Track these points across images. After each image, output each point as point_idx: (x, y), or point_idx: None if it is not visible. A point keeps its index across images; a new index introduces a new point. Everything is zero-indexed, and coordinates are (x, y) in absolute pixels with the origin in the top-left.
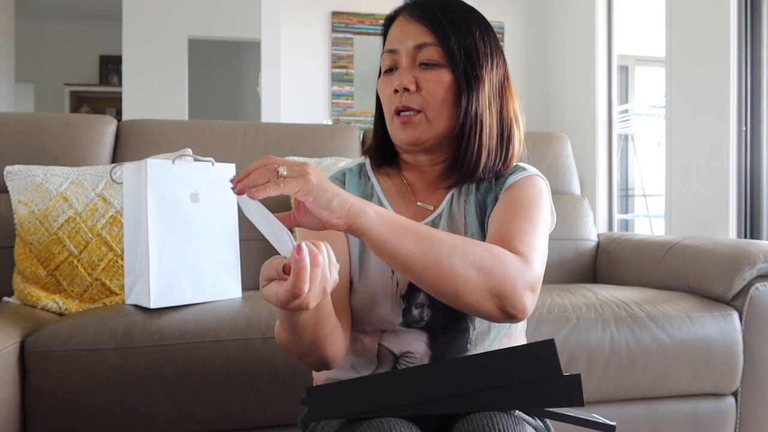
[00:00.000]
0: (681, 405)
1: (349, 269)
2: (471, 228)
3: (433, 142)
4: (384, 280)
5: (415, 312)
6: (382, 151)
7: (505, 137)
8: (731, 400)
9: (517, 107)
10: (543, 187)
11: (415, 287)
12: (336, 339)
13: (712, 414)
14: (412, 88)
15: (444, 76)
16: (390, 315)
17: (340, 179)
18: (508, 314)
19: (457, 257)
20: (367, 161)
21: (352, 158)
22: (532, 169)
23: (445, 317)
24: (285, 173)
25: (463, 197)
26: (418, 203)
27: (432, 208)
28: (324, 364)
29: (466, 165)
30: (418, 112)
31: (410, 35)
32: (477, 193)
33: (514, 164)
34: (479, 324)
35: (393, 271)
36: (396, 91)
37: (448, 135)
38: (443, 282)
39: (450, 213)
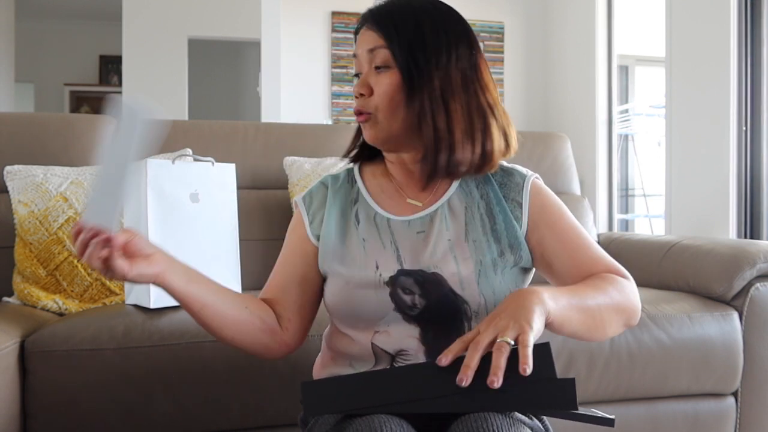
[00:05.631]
0: (681, 405)
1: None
2: (472, 235)
3: (395, 141)
4: (367, 274)
5: (406, 297)
6: (368, 150)
7: (476, 129)
8: (731, 400)
9: (493, 97)
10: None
11: (398, 275)
12: (245, 337)
13: (712, 414)
14: (366, 92)
15: (393, 78)
16: (379, 304)
17: (325, 184)
18: (630, 327)
19: (607, 314)
20: (356, 166)
21: None
22: (528, 172)
23: (437, 312)
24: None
25: (466, 201)
26: (408, 200)
27: (421, 204)
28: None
29: (437, 161)
30: (370, 114)
31: (365, 41)
32: (481, 201)
33: (510, 166)
34: (476, 323)
35: (377, 266)
36: (361, 94)
37: (408, 133)
38: (597, 335)
39: (452, 214)
